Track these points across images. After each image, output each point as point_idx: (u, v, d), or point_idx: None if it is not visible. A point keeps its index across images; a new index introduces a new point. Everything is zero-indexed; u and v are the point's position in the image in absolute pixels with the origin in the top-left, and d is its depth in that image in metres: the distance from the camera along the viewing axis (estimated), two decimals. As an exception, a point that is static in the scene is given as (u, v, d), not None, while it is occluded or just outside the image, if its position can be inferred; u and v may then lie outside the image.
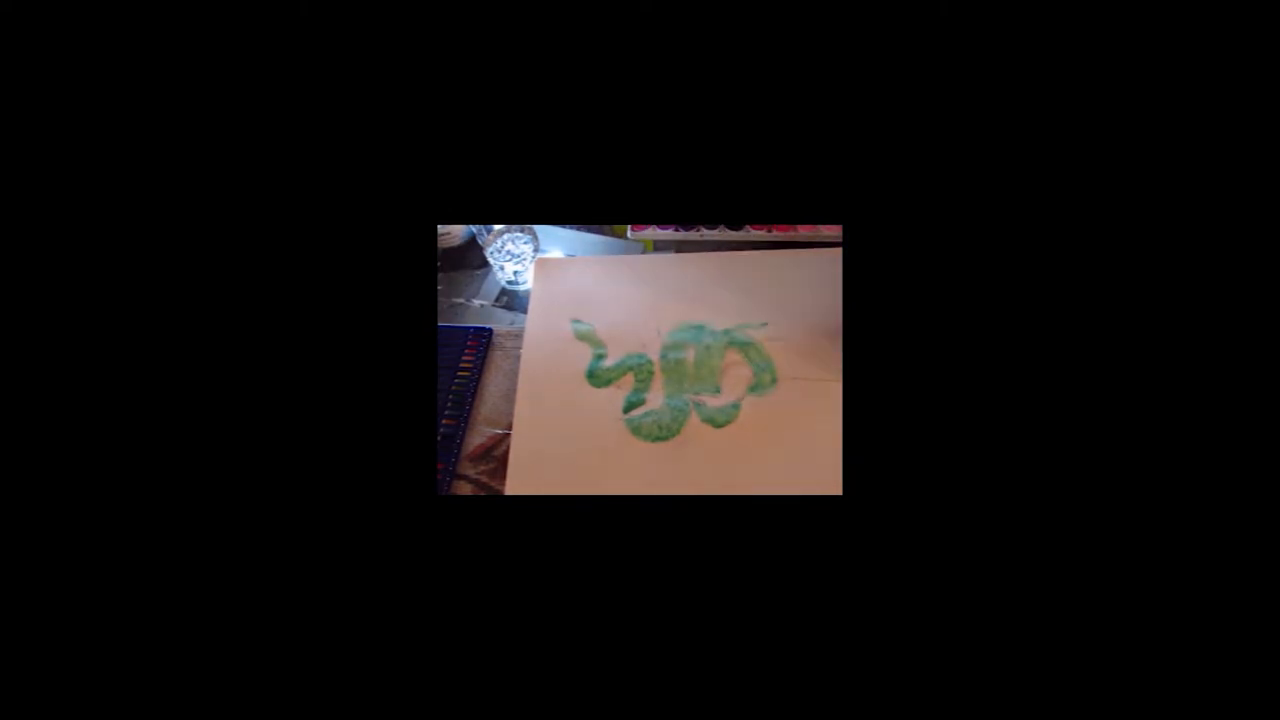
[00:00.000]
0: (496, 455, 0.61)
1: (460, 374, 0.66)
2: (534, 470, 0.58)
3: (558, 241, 0.78)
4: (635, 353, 0.66)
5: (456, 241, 0.78)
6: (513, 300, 0.74)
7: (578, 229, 0.80)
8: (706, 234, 0.78)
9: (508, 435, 0.61)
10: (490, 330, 0.70)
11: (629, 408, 0.62)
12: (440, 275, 0.76)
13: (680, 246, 0.78)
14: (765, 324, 0.67)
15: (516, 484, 0.57)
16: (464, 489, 0.59)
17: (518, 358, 0.67)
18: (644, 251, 0.78)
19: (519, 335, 0.70)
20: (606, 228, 0.80)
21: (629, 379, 0.64)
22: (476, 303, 0.74)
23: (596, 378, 0.64)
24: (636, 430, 0.60)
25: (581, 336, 0.68)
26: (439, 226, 0.74)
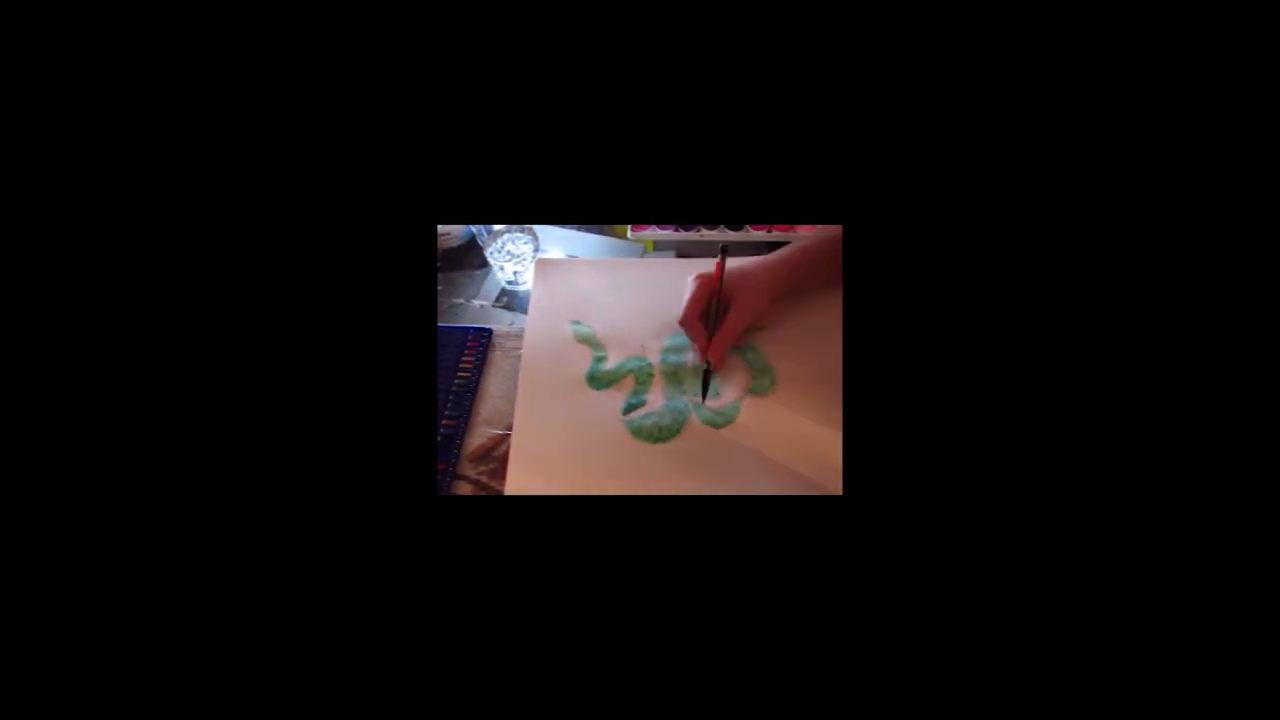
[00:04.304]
0: (496, 455, 0.61)
1: (460, 374, 0.66)
2: (534, 470, 0.58)
3: (558, 241, 0.78)
4: (635, 355, 0.66)
5: (456, 242, 0.78)
6: (513, 300, 0.74)
7: (578, 229, 0.80)
8: (706, 234, 0.78)
9: (508, 435, 0.61)
10: (490, 330, 0.70)
11: (629, 409, 0.62)
12: (440, 275, 0.75)
13: (680, 246, 0.78)
14: (764, 327, 0.67)
15: (516, 484, 0.57)
16: (464, 489, 0.59)
17: (518, 358, 0.67)
18: (644, 251, 0.78)
19: (519, 336, 0.69)
20: (606, 228, 0.80)
21: (629, 381, 0.64)
22: (476, 303, 0.74)
23: (597, 380, 0.64)
24: (636, 431, 0.60)
25: (581, 339, 0.68)
26: (439, 226, 0.74)
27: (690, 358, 0.65)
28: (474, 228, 0.75)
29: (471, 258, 0.78)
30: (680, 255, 0.78)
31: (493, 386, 0.66)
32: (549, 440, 0.60)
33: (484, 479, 0.60)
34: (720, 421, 0.61)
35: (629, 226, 0.78)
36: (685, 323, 0.62)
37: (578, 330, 0.68)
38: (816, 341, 0.66)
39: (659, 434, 0.60)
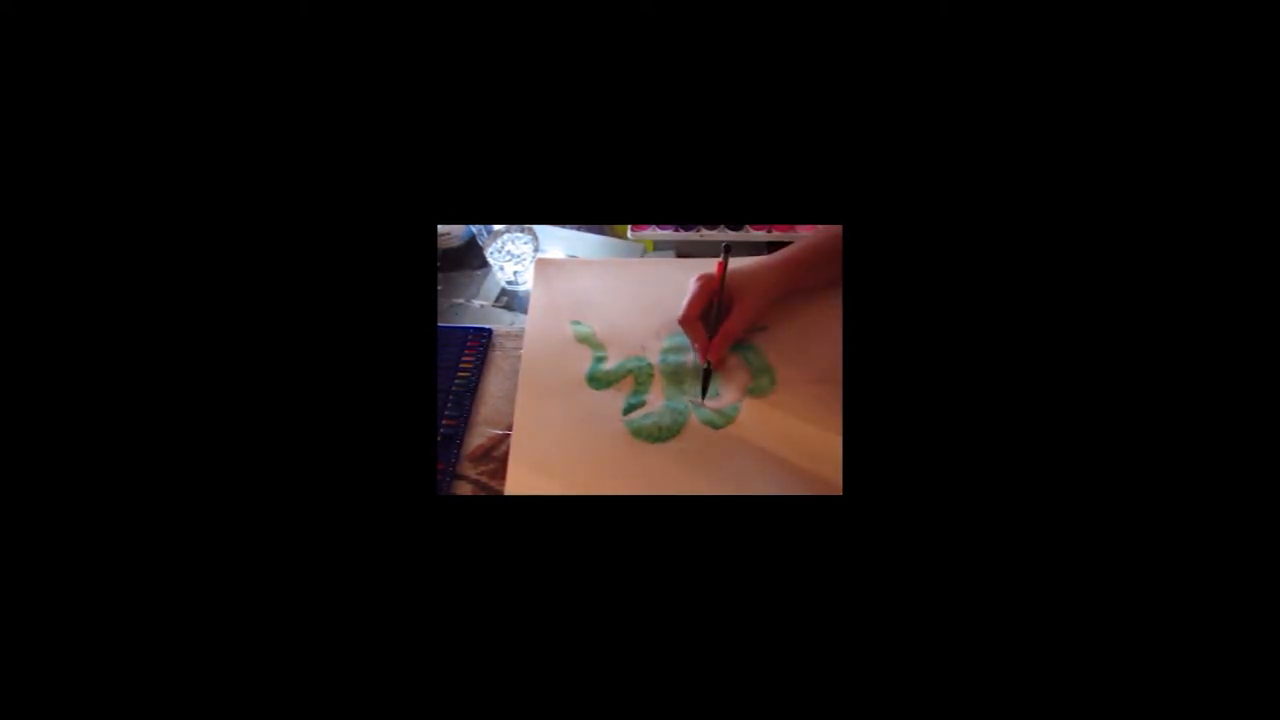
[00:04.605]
0: (496, 455, 0.61)
1: (460, 374, 0.66)
2: (534, 470, 0.58)
3: (558, 241, 0.78)
4: (635, 355, 0.66)
5: (456, 242, 0.78)
6: (513, 300, 0.74)
7: (578, 229, 0.80)
8: (706, 234, 0.78)
9: (508, 435, 0.61)
10: (490, 330, 0.70)
11: (629, 409, 0.62)
12: (440, 275, 0.75)
13: (680, 246, 0.78)
14: (764, 327, 0.67)
15: (516, 484, 0.57)
16: (464, 489, 0.59)
17: (518, 358, 0.67)
18: (644, 251, 0.78)
19: (519, 336, 0.69)
20: (606, 228, 0.80)
21: (629, 381, 0.64)
22: (476, 303, 0.74)
23: (596, 380, 0.64)
24: (636, 431, 0.60)
25: (581, 339, 0.68)
26: (439, 226, 0.74)
27: (690, 358, 0.65)
28: (474, 228, 0.75)
29: (471, 258, 0.78)
30: (680, 255, 0.78)
31: (493, 386, 0.66)
32: (549, 440, 0.60)
33: (484, 479, 0.60)
34: (720, 422, 0.61)
35: (629, 226, 0.78)
36: (685, 322, 0.62)
37: (578, 330, 0.68)
38: (816, 341, 0.66)
39: (659, 434, 0.60)
